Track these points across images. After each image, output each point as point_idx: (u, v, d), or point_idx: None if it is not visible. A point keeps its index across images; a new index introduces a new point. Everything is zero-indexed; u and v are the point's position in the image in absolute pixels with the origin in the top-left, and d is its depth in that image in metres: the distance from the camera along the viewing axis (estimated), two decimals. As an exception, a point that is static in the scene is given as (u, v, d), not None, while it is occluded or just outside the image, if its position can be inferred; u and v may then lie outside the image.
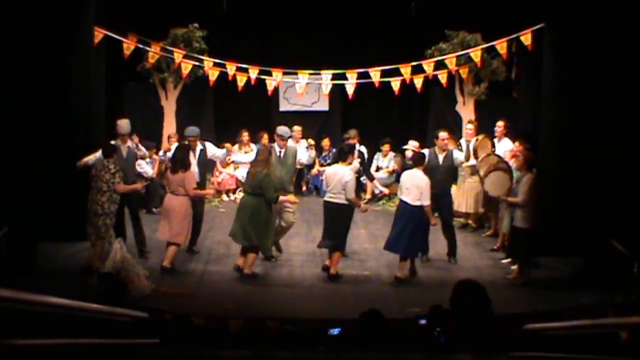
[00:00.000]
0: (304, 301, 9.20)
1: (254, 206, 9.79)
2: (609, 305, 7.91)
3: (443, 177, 10.72)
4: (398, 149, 14.61)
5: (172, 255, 10.00)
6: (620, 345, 4.82)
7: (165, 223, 10.10)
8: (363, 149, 12.82)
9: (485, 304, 3.93)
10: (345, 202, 9.77)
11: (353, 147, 10.74)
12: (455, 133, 13.08)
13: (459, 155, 11.26)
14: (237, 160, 12.59)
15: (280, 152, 10.67)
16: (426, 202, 9.69)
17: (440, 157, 10.80)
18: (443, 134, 10.94)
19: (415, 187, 9.75)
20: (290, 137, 11.15)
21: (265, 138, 14.21)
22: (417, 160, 10.04)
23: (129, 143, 10.97)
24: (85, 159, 10.20)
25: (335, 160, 10.41)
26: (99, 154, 10.19)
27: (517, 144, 11.19)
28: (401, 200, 9.95)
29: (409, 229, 9.76)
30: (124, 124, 10.83)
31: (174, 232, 10.01)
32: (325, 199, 10.03)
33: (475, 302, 3.93)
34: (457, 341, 4.09)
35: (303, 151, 14.50)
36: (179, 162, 10.11)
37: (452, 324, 4.59)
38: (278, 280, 9.91)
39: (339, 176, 9.77)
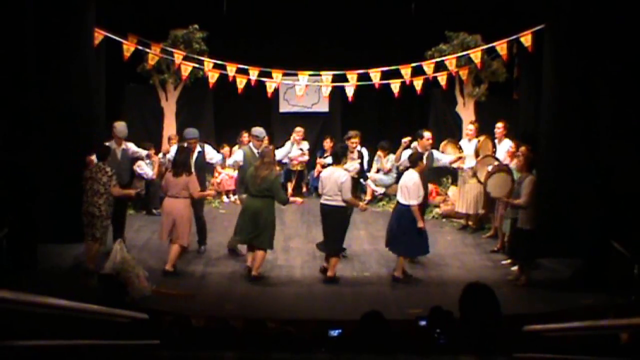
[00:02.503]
0: (303, 302, 9.20)
1: (263, 208, 9.84)
2: (610, 307, 7.91)
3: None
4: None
5: (175, 258, 10.02)
6: (620, 346, 4.82)
7: (167, 226, 10.04)
8: (364, 150, 12.82)
9: (494, 307, 3.93)
10: (341, 203, 9.78)
11: (346, 148, 10.71)
12: (456, 134, 13.08)
13: (442, 157, 11.29)
14: (238, 159, 12.61)
15: (257, 152, 10.72)
16: (412, 201, 9.77)
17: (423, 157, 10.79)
18: (427, 134, 10.94)
19: (404, 186, 9.87)
20: (264, 137, 11.18)
21: (265, 140, 14.19)
22: (413, 161, 10.08)
23: (124, 145, 10.98)
24: (92, 157, 10.30)
25: (330, 163, 10.42)
26: None
27: (512, 145, 11.20)
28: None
29: (400, 228, 9.92)
30: (121, 127, 10.88)
31: (180, 235, 10.00)
32: (321, 202, 10.04)
33: (485, 305, 3.93)
34: (461, 343, 4.09)
35: (298, 151, 14.54)
36: (182, 165, 10.09)
37: (458, 326, 4.58)
38: (278, 281, 9.91)
39: (335, 178, 9.79)
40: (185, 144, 11.02)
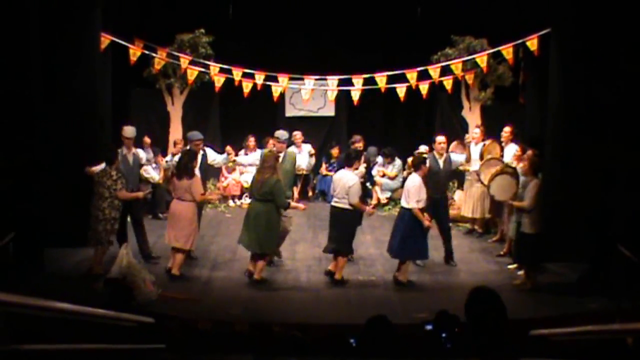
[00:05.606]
0: (310, 306, 9.18)
1: (263, 212, 9.72)
2: (616, 311, 7.89)
3: (443, 181, 10.86)
4: (401, 156, 14.60)
5: (180, 262, 9.99)
6: (626, 351, 4.80)
7: (171, 229, 10.05)
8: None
9: (501, 311, 3.93)
10: (348, 206, 9.77)
11: (360, 152, 10.73)
12: (462, 139, 13.08)
13: (457, 158, 11.31)
14: (240, 161, 12.66)
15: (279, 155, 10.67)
16: (412, 204, 9.73)
17: (440, 162, 10.84)
18: (440, 138, 10.97)
19: (406, 189, 9.93)
20: (287, 139, 11.18)
21: (271, 143, 14.21)
22: (416, 165, 10.07)
23: (134, 150, 10.98)
24: (94, 168, 10.21)
25: (341, 166, 10.40)
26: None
27: (519, 148, 11.18)
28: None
29: (399, 231, 9.89)
30: (129, 129, 10.92)
31: (181, 238, 9.95)
32: (332, 203, 10.06)
33: (491, 310, 3.93)
34: (467, 347, 4.08)
35: (305, 157, 14.57)
36: (184, 168, 10.07)
37: (463, 330, 4.58)
38: (284, 285, 9.90)
39: (344, 181, 9.80)
40: (188, 147, 11.03)
